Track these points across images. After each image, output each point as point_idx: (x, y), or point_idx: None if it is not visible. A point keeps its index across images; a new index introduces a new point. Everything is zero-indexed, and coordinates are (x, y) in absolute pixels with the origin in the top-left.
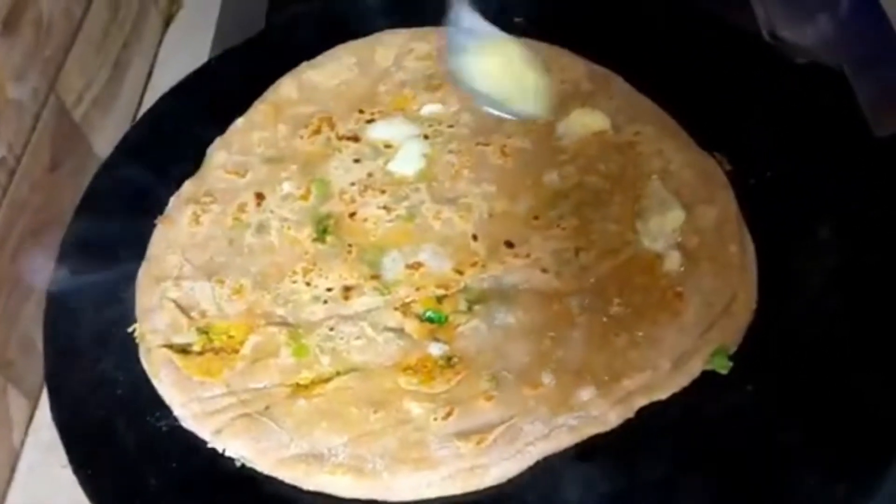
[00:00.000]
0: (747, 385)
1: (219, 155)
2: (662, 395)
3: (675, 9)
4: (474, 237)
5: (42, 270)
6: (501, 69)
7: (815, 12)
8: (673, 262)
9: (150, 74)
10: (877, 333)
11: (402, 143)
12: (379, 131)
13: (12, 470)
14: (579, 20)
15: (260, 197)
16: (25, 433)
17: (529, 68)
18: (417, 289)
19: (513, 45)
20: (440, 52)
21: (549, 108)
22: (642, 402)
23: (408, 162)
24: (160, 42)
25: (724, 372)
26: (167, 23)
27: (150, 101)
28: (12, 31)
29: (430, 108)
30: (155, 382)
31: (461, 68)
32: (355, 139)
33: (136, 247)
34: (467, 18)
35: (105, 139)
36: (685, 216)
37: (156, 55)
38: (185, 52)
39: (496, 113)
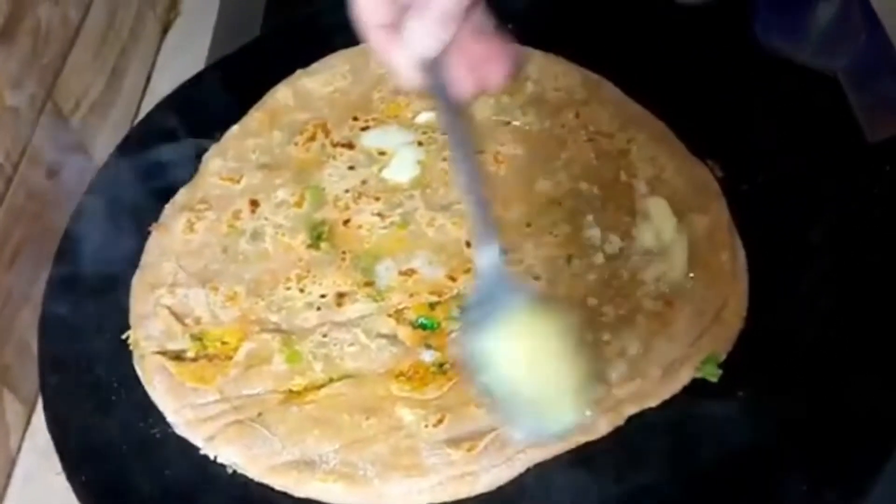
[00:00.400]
0: (738, 392)
1: (214, 162)
2: (653, 403)
3: (668, 16)
4: (468, 244)
5: (39, 277)
6: (534, 358)
7: (810, 19)
8: (664, 269)
9: (148, 80)
10: (867, 340)
11: (397, 150)
12: (373, 138)
13: (8, 476)
14: (572, 27)
15: (254, 204)
16: (22, 438)
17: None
18: (411, 295)
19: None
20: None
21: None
22: (632, 409)
23: (402, 169)
24: (158, 48)
25: (714, 380)
26: (165, 29)
27: (147, 106)
28: (9, 40)
29: (425, 116)
30: (148, 389)
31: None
32: (350, 146)
33: (132, 254)
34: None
35: (103, 145)
36: (677, 224)
37: (154, 61)
38: (182, 58)
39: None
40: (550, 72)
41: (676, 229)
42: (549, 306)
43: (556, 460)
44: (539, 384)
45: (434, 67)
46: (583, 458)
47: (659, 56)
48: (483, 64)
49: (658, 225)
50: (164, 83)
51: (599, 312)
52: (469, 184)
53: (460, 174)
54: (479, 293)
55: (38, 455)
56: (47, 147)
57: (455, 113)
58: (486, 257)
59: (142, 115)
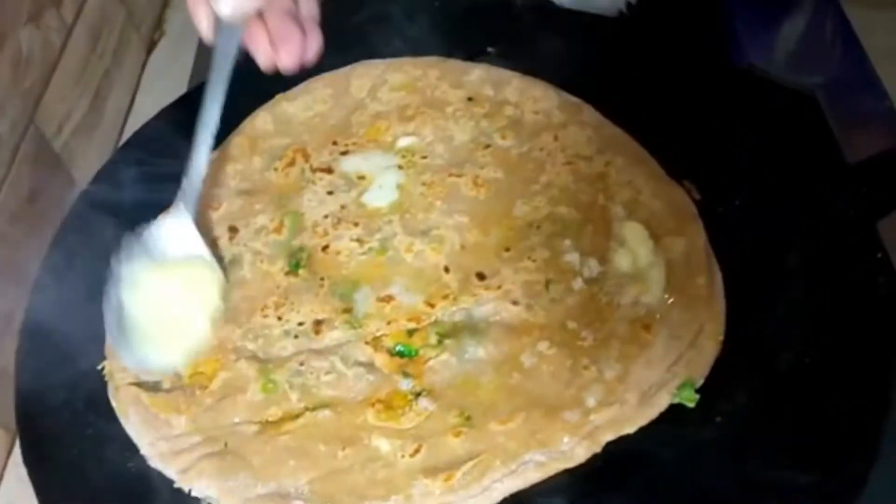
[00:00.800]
0: (716, 417)
1: None
2: (630, 429)
3: (645, 38)
4: (446, 269)
5: (20, 304)
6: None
7: (789, 38)
8: (641, 293)
9: (132, 101)
10: (844, 364)
11: (376, 175)
12: (352, 163)
13: None
14: (551, 50)
15: (233, 230)
16: (4, 466)
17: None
18: (388, 322)
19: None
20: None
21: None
22: (610, 436)
23: (381, 194)
24: (142, 69)
25: (691, 405)
26: (149, 50)
27: (132, 127)
28: None
29: (405, 140)
30: (123, 421)
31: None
32: (329, 171)
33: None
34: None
35: (86, 168)
36: (654, 248)
37: (138, 82)
38: (167, 78)
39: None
40: (529, 95)
41: (653, 253)
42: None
43: (534, 489)
44: (158, 324)
45: (230, 31)
46: (560, 486)
47: (636, 79)
48: (281, 44)
49: (634, 249)
50: (149, 103)
51: (578, 337)
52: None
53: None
54: (161, 233)
55: (21, 482)
56: (29, 171)
57: (224, 79)
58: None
59: (127, 134)
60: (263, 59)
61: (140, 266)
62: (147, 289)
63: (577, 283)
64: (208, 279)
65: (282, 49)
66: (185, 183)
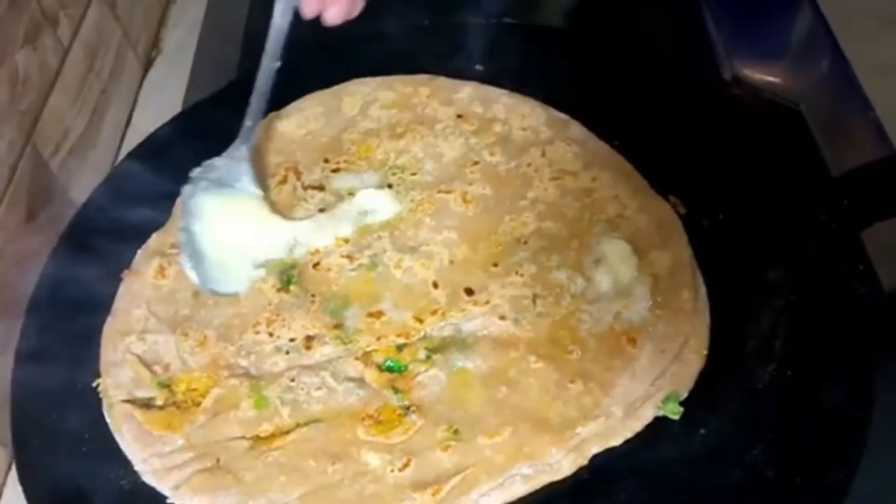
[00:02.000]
0: (700, 430)
1: None
2: (615, 442)
3: (631, 53)
4: (435, 285)
5: (17, 322)
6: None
7: (775, 51)
8: (627, 308)
9: (129, 119)
10: (827, 378)
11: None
12: (343, 180)
13: None
14: (538, 67)
15: None
16: (4, 483)
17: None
18: (378, 338)
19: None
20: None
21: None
22: (595, 449)
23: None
24: (139, 87)
25: (675, 418)
26: (146, 68)
27: (129, 144)
28: None
29: (394, 157)
30: (117, 437)
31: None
32: (320, 188)
33: (105, 300)
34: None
35: (83, 186)
36: (638, 263)
37: (135, 100)
38: (164, 95)
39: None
40: (517, 112)
41: (637, 268)
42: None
43: (521, 501)
44: (222, 251)
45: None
46: (546, 498)
47: (623, 95)
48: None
49: (616, 266)
50: (146, 120)
51: (564, 351)
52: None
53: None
54: (226, 164)
55: (21, 499)
56: (26, 190)
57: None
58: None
59: (124, 152)
60: (310, 9)
61: (204, 198)
62: (210, 219)
63: (564, 298)
64: (260, 212)
65: (332, 6)
66: (245, 123)
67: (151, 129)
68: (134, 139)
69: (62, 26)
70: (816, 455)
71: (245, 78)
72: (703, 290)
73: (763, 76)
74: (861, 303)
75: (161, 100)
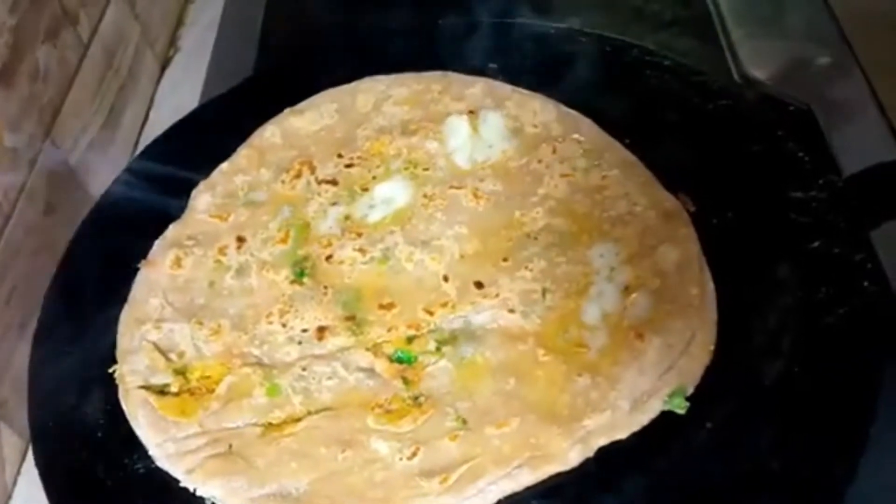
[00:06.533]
0: (706, 424)
1: (202, 198)
2: (622, 435)
3: (641, 53)
4: (445, 278)
5: (36, 312)
6: None
7: (785, 52)
8: (634, 303)
9: (146, 116)
10: (833, 373)
11: (379, 187)
12: (357, 175)
13: None
14: (550, 66)
15: (241, 240)
16: (18, 472)
17: None
18: (389, 329)
19: None
20: None
21: None
22: (602, 441)
23: (384, 205)
24: (157, 84)
25: (682, 412)
26: (164, 66)
27: (146, 140)
28: (8, 83)
29: (407, 153)
30: (133, 423)
31: None
32: (334, 183)
33: (122, 290)
34: None
35: (101, 181)
36: (647, 258)
37: (152, 97)
38: (181, 93)
39: None
40: (528, 108)
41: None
42: None
43: (528, 491)
44: None
45: None
46: (553, 488)
47: (634, 93)
48: None
49: (627, 261)
50: (163, 118)
51: (572, 344)
52: None
53: None
54: None
55: (35, 487)
56: (45, 184)
57: None
58: None
59: (141, 148)
60: None
61: None
62: None
63: (572, 292)
64: None
65: None
66: None
67: (167, 126)
68: (151, 135)
69: (82, 24)
70: (822, 450)
71: (259, 76)
72: (710, 285)
73: (773, 76)
74: (869, 301)
75: (178, 97)
